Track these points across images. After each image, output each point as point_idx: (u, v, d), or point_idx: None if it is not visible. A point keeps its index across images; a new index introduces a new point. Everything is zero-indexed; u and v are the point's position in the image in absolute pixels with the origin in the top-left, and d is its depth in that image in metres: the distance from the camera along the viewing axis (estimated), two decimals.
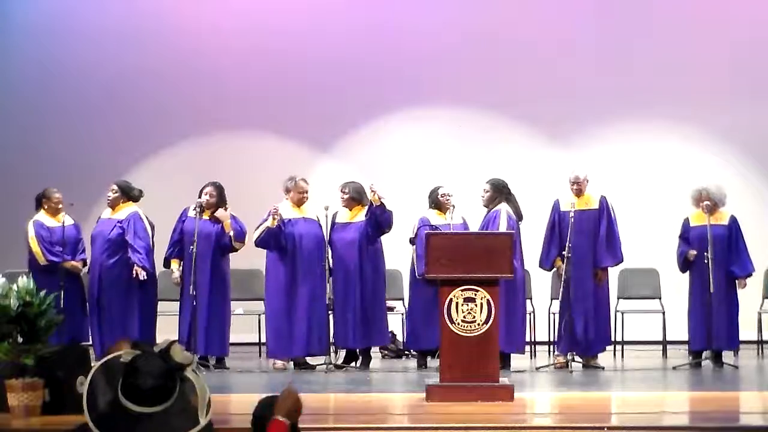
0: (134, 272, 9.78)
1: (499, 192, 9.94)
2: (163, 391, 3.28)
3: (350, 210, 10.17)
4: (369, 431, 6.13)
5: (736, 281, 10.03)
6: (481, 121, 12.33)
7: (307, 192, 10.12)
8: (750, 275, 10.09)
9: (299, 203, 10.08)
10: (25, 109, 12.52)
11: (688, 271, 10.13)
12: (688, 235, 10.12)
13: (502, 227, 9.53)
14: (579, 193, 9.93)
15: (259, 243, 9.93)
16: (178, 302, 10.08)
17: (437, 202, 10.16)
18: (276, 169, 10.87)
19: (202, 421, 3.30)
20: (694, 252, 9.97)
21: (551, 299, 10.65)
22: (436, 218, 10.07)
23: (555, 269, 9.99)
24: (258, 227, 9.91)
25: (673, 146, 12.18)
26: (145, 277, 9.79)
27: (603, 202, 10.01)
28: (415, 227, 10.02)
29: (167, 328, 10.15)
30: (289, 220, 10.00)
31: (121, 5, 12.60)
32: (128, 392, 3.28)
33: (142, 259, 9.83)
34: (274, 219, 9.81)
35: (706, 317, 9.82)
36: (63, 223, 10.01)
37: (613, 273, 10.83)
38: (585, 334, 9.76)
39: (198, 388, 3.35)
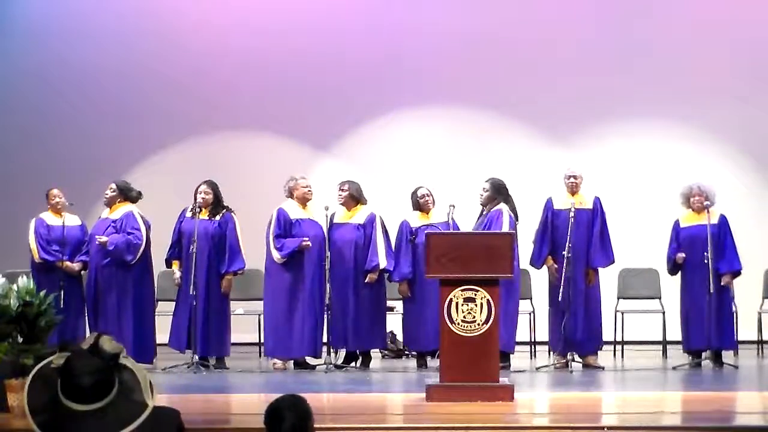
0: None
1: (499, 192, 9.92)
2: (103, 386, 3.31)
3: (348, 210, 10.17)
4: (368, 431, 6.13)
5: (722, 278, 9.94)
6: (480, 121, 12.33)
7: (309, 187, 10.13)
8: (736, 273, 9.93)
9: (304, 201, 10.08)
10: (26, 109, 12.53)
11: (678, 274, 10.10)
12: (679, 237, 10.07)
13: (505, 227, 9.51)
14: (575, 187, 9.91)
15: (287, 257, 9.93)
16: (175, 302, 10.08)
17: (417, 204, 10.15)
18: (276, 169, 10.88)
19: (150, 403, 3.32)
20: (682, 255, 9.94)
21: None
22: (416, 220, 10.07)
23: (546, 268, 9.98)
24: (282, 247, 9.87)
25: (674, 146, 12.18)
26: (101, 242, 9.75)
27: (597, 202, 10.00)
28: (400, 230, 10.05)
29: (167, 327, 10.13)
30: (296, 220, 10.01)
31: (122, 5, 12.60)
32: (69, 393, 3.29)
33: (115, 238, 9.79)
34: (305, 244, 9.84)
35: (701, 317, 9.79)
36: (64, 222, 10.02)
37: (613, 273, 10.84)
38: (578, 334, 9.76)
39: (136, 371, 3.37)
